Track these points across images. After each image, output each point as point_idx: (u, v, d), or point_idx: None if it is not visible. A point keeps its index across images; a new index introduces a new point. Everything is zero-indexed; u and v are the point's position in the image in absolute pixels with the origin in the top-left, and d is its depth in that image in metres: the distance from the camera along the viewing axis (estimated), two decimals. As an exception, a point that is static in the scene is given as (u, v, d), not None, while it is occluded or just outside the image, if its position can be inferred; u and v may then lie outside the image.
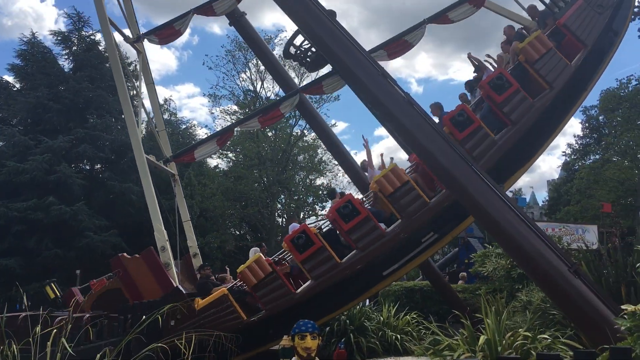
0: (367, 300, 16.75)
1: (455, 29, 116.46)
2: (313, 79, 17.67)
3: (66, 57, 37.06)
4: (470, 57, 15.05)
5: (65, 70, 36.64)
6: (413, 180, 11.83)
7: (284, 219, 45.14)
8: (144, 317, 5.57)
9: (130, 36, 16.69)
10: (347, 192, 15.29)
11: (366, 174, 15.23)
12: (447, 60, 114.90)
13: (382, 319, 14.06)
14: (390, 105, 9.82)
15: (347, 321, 13.25)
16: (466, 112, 11.76)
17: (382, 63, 12.44)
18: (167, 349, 5.10)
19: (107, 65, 37.73)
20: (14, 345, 4.47)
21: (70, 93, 33.92)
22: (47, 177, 30.67)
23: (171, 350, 5.18)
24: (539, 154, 12.56)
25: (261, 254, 12.32)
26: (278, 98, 41.57)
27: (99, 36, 38.02)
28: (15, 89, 35.89)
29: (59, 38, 36.87)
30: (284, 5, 11.65)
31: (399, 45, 14.83)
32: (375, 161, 14.72)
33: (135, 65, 40.77)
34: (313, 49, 15.54)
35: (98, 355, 4.61)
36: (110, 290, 12.77)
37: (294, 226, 13.45)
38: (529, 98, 11.85)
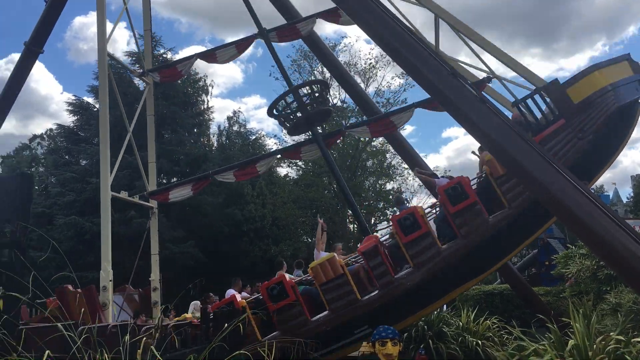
0: (445, 306, 16.41)
1: (522, 23, 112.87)
2: (293, 143, 18.76)
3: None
4: (417, 173, 14.64)
5: (140, 88, 38.25)
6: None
7: (355, 225, 45.04)
8: (225, 325, 5.66)
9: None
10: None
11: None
12: (516, 56, 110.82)
13: (461, 324, 13.72)
14: (462, 105, 9.57)
15: (425, 327, 13.01)
16: (415, 217, 11.45)
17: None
18: (249, 356, 5.16)
19: (179, 82, 39.19)
20: (106, 354, 4.63)
21: (145, 110, 35.34)
22: (130, 192, 31.99)
23: (254, 358, 5.23)
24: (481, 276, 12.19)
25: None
26: (345, 105, 41.83)
27: (169, 55, 39.59)
28: (95, 109, 37.80)
29: (133, 58, 38.58)
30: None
31: (383, 124, 15.41)
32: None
33: (205, 80, 42.13)
34: (296, 114, 15.84)
35: None
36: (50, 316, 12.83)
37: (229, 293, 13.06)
38: (485, 213, 11.34)
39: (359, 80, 39.21)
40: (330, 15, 16.23)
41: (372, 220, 44.00)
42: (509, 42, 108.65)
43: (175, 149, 35.21)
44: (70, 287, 13.98)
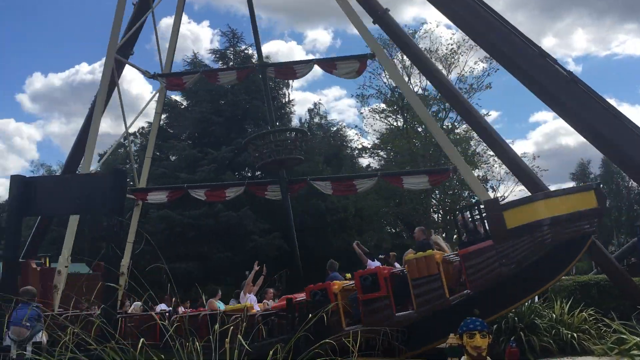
0: (536, 297, 15.80)
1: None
2: (262, 180, 20.11)
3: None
4: (355, 246, 14.37)
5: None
6: None
7: (439, 215, 44.26)
8: (309, 315, 5.70)
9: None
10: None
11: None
12: (608, 33, 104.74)
13: (554, 316, 13.16)
14: (552, 86, 9.11)
15: (516, 319, 12.57)
16: (327, 292, 11.57)
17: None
18: (335, 346, 5.16)
19: (260, 76, 39.95)
20: (197, 342, 4.78)
21: (229, 106, 36.38)
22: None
23: (339, 348, 5.24)
24: None
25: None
26: (426, 93, 41.06)
27: (251, 50, 40.43)
28: (182, 106, 39.31)
29: (217, 56, 39.76)
30: None
31: (345, 185, 16.95)
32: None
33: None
34: (269, 154, 17.23)
35: (270, 352, 4.76)
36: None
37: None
38: (393, 309, 11.16)
39: (440, 66, 38.36)
40: (326, 65, 17.50)
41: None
42: (600, 19, 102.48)
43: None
44: (33, 263, 15.82)
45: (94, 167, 25.28)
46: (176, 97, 39.93)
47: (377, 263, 13.28)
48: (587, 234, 11.59)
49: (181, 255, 31.79)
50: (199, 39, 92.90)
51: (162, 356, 4.60)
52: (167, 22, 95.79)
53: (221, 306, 13.32)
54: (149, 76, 19.74)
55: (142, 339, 4.56)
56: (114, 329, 5.55)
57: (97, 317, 7.54)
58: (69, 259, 16.55)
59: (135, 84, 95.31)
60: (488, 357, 4.52)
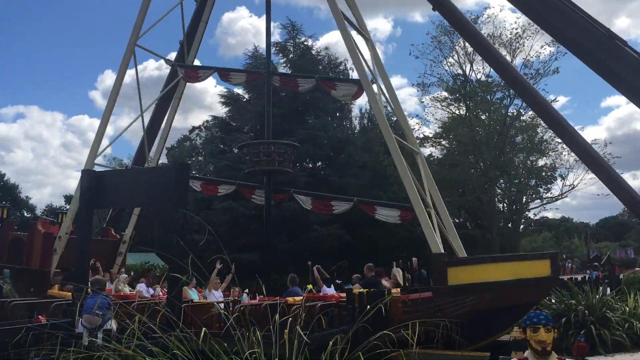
0: (608, 289, 15.17)
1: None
2: (251, 184, 21.15)
3: (284, 64, 40.14)
4: (316, 270, 14.53)
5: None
6: None
7: (504, 204, 43.12)
8: (368, 306, 5.68)
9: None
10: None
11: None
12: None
13: (627, 309, 12.59)
14: (623, 71, 8.67)
15: (586, 312, 12.10)
16: None
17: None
18: (394, 337, 5.14)
19: (320, 67, 40.01)
20: (258, 332, 4.87)
21: (289, 98, 36.65)
22: (276, 178, 33.50)
23: (398, 340, 5.21)
24: None
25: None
26: (489, 79, 39.94)
27: (311, 42, 40.57)
28: (244, 99, 39.93)
29: (277, 48, 40.14)
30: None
31: (323, 204, 18.18)
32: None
33: (345, 64, 42.55)
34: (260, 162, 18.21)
35: (330, 343, 4.78)
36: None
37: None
38: None
39: (504, 52, 37.24)
40: (327, 84, 18.46)
41: (524, 199, 41.82)
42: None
43: (319, 134, 36.11)
44: (39, 225, 17.08)
45: (161, 160, 26.25)
46: (238, 90, 40.63)
47: (332, 290, 13.63)
48: (533, 302, 11.64)
49: (245, 246, 32.42)
50: (260, 32, 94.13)
51: (225, 345, 4.72)
52: (229, 16, 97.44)
53: (194, 296, 13.49)
54: (170, 64, 20.83)
55: (203, 328, 4.69)
56: (177, 318, 5.72)
57: (163, 305, 7.86)
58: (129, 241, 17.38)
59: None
60: (553, 352, 4.37)
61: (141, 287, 15.07)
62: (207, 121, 43.16)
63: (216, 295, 13.18)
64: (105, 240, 20.13)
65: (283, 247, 32.15)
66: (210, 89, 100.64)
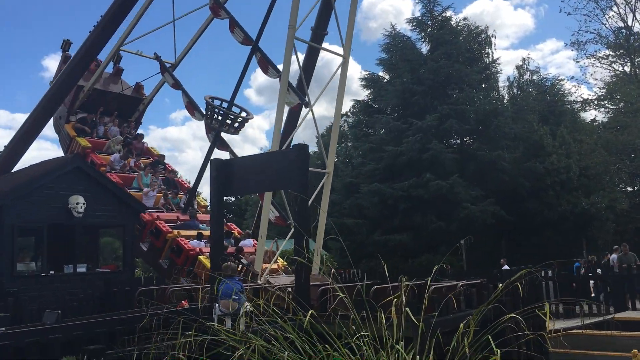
0: None
1: None
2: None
3: (422, 40, 38.89)
4: None
5: (423, 52, 38.42)
6: None
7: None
8: (500, 285, 5.18)
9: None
10: None
11: None
12: None
13: None
14: None
15: None
16: None
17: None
18: (520, 320, 4.61)
19: (461, 38, 38.19)
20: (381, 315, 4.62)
21: (430, 73, 35.42)
22: (421, 156, 32.70)
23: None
24: None
25: None
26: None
27: (449, 13, 38.81)
28: (385, 80, 39.39)
29: (414, 24, 38.98)
30: None
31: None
32: None
33: (487, 32, 40.18)
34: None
35: (462, 324, 4.36)
36: None
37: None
38: None
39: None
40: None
41: None
42: None
43: (464, 108, 34.54)
44: None
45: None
46: (379, 72, 40.15)
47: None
48: None
49: (395, 227, 32.06)
50: (401, 12, 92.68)
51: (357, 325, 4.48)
52: (369, 0, 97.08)
53: None
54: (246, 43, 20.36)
55: (310, 311, 4.54)
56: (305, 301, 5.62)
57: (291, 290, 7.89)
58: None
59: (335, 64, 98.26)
60: None
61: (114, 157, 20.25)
62: (353, 106, 43.36)
63: None
64: None
65: (433, 227, 31.28)
66: (356, 75, 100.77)
